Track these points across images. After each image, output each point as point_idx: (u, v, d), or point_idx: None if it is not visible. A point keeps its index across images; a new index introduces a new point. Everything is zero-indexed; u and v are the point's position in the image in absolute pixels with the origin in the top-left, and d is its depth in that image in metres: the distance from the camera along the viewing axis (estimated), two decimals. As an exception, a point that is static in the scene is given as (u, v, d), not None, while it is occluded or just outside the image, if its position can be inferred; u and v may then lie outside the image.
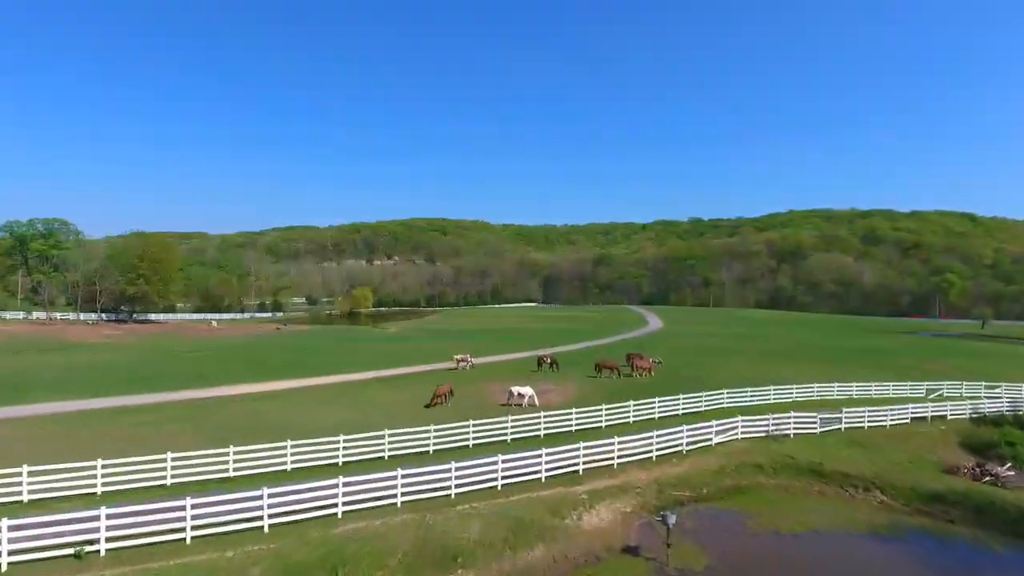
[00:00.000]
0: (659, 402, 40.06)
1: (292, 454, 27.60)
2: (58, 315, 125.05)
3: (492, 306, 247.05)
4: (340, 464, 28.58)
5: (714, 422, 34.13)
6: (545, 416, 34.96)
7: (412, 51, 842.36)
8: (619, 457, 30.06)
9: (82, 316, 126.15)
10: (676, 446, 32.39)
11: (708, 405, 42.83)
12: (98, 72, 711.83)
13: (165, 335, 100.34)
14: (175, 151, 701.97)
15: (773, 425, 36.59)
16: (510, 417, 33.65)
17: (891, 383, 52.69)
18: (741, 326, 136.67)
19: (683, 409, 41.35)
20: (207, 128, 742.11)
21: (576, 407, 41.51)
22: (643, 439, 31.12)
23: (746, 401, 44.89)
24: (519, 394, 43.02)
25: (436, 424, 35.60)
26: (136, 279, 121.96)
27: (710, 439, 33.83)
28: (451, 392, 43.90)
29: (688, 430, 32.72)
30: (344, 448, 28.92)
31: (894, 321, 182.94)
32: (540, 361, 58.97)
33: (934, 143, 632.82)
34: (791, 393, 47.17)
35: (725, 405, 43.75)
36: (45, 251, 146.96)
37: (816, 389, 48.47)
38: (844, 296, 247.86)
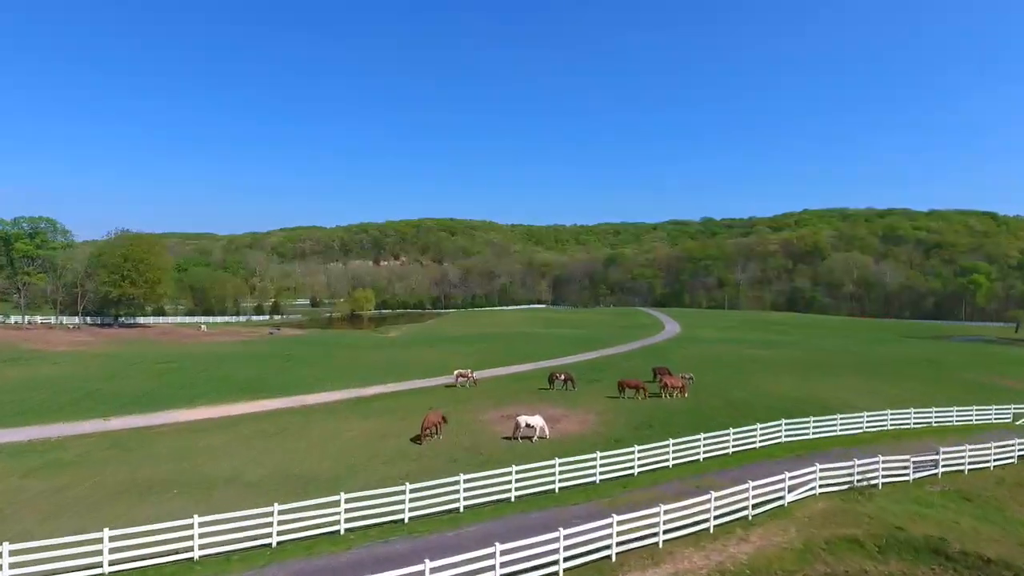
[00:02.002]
0: (704, 439, 31.60)
1: (201, 534, 19.35)
2: (39, 319, 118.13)
3: (500, 308, 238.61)
4: (274, 546, 20.33)
5: (786, 474, 25.62)
6: (561, 464, 26.63)
7: (420, 51, 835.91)
8: (665, 531, 21.67)
9: (65, 320, 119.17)
10: (739, 510, 23.95)
11: (763, 440, 34.34)
12: (98, 71, 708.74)
13: (144, 341, 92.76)
14: (184, 152, 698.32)
15: (858, 473, 28.05)
16: (514, 468, 25.35)
17: (973, 407, 43.93)
18: (766, 331, 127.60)
19: (734, 447, 32.90)
20: (214, 129, 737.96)
21: (598, 444, 33.34)
22: (696, 505, 22.65)
23: (808, 434, 36.34)
24: (527, 425, 34.74)
25: (419, 470, 27.60)
26: (120, 281, 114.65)
27: (782, 497, 25.37)
28: (443, 422, 35.58)
29: (754, 487, 24.25)
30: (281, 522, 20.66)
31: (923, 324, 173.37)
32: (553, 378, 50.61)
33: (942, 141, 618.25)
34: (860, 422, 38.56)
35: (783, 440, 35.26)
36: (30, 251, 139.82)
37: (889, 417, 39.80)
38: (865, 298, 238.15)
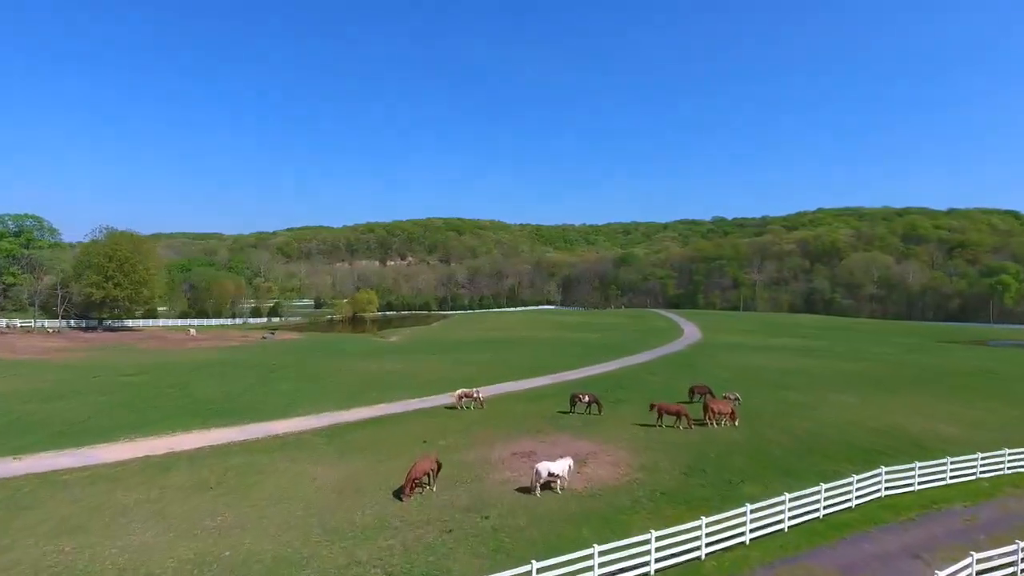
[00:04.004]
0: (790, 503, 23.36)
1: None
2: (18, 323, 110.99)
3: (508, 309, 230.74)
4: None
5: (937, 574, 17.41)
6: (601, 554, 18.47)
7: (427, 50, 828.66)
8: None
9: (47, 324, 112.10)
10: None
11: (860, 496, 26.05)
12: (100, 69, 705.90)
13: (121, 348, 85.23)
14: (192, 152, 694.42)
15: (1021, 560, 19.76)
16: (534, 566, 17.27)
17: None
18: (794, 335, 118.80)
19: (825, 507, 24.64)
20: (221, 129, 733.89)
21: (640, 499, 25.34)
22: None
23: (913, 485, 27.95)
24: (551, 474, 26.64)
25: (401, 550, 19.73)
26: (103, 282, 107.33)
27: (932, 609, 17.18)
28: (436, 470, 27.37)
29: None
30: None
31: (953, 327, 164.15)
32: (575, 399, 42.40)
33: (951, 139, 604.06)
34: (974, 466, 30.11)
35: (883, 494, 26.95)
36: (15, 251, 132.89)
37: (1007, 457, 31.26)
38: (887, 299, 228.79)
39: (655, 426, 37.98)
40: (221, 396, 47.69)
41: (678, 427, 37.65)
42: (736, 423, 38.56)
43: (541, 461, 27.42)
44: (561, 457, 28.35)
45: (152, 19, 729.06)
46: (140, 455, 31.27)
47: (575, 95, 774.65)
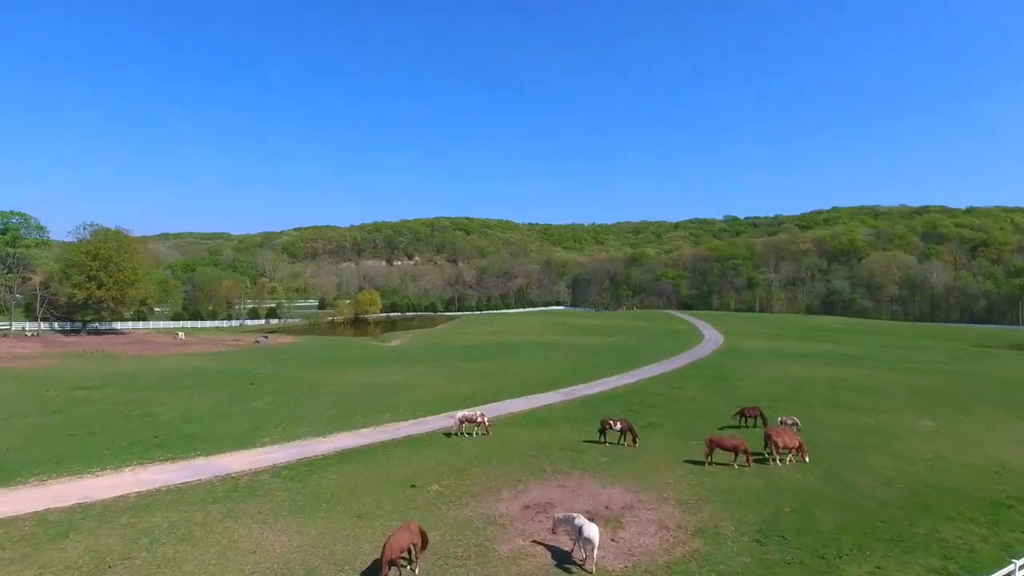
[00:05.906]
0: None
1: None
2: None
3: (516, 310, 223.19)
4: None
5: None
6: None
7: (434, 48, 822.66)
8: None
9: (27, 326, 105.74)
10: None
11: (1023, 589, 18.41)
12: (102, 68, 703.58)
13: (95, 355, 78.15)
14: (198, 153, 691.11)
15: None
16: None
17: None
18: (822, 339, 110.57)
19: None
20: (227, 129, 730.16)
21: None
22: None
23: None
24: (591, 545, 19.20)
25: None
26: (86, 282, 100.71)
27: None
28: (420, 544, 19.75)
29: None
30: None
31: (983, 329, 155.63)
32: (605, 426, 34.68)
33: (961, 136, 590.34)
34: None
35: (1048, 580, 19.25)
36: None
37: None
38: (909, 300, 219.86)
39: (703, 463, 30.26)
40: (179, 417, 40.36)
41: (733, 464, 29.94)
42: (806, 459, 30.73)
43: (590, 524, 19.67)
44: (584, 512, 20.80)
45: (155, 20, 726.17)
46: (40, 508, 23.92)
47: (580, 94, 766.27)
